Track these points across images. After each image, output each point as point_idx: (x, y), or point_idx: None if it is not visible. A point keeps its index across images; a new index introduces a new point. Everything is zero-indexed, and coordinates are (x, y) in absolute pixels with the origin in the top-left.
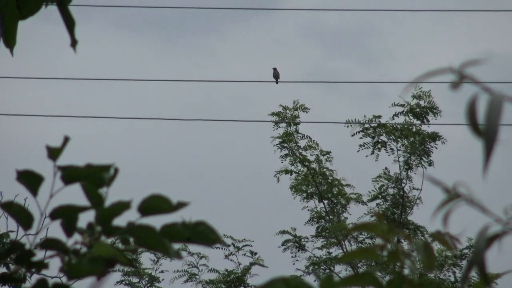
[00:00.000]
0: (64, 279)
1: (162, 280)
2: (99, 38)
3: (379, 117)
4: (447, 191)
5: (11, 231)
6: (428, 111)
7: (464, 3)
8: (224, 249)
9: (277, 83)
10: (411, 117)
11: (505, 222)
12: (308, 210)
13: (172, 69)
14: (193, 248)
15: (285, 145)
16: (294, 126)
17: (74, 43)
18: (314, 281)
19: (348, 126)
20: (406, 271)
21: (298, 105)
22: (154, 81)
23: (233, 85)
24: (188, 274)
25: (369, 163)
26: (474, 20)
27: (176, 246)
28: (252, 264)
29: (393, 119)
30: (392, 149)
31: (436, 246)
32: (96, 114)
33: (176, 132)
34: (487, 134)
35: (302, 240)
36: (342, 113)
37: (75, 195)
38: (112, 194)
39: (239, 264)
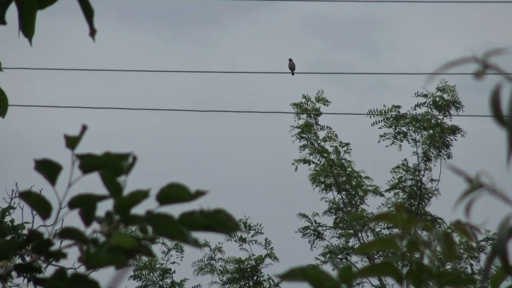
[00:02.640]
0: (81, 269)
1: (174, 272)
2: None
3: (399, 107)
4: (469, 181)
5: (27, 222)
6: (451, 104)
7: None
8: (237, 237)
9: (293, 74)
10: (432, 108)
11: None
12: (326, 201)
13: (173, 62)
14: (209, 240)
15: (304, 135)
16: (314, 118)
17: (93, 32)
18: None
19: (370, 117)
20: (425, 261)
21: (320, 97)
22: (162, 72)
23: (238, 78)
24: (205, 265)
25: (382, 156)
26: (477, 11)
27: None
28: (266, 256)
29: (415, 109)
30: (414, 139)
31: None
32: (94, 106)
33: (180, 124)
34: (511, 123)
35: (321, 227)
36: (347, 105)
37: (92, 184)
38: (129, 184)
39: (253, 254)
